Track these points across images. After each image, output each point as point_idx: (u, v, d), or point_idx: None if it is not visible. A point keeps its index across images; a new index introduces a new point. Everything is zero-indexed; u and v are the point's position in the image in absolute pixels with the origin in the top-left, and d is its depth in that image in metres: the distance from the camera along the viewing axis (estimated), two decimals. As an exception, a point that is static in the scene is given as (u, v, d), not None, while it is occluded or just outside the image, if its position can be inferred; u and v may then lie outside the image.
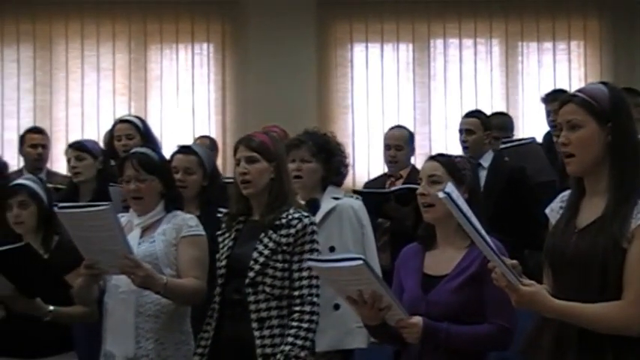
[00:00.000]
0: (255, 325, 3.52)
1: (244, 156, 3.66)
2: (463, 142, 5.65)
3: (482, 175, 5.37)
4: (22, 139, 6.36)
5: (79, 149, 5.18)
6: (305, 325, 3.50)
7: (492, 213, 5.07)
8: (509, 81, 7.91)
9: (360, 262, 2.98)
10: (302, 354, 3.46)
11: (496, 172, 5.47)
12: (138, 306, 3.69)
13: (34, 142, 6.27)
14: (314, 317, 3.52)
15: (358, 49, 7.99)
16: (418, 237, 3.38)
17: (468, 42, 7.96)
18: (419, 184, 3.35)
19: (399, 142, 5.86)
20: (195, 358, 3.66)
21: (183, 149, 4.59)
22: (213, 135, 7.36)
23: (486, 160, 5.55)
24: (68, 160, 5.22)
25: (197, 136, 6.99)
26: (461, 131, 5.69)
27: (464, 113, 5.93)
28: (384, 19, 7.96)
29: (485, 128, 5.63)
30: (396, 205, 5.21)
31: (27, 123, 7.23)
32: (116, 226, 3.48)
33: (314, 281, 3.53)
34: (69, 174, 6.38)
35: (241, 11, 7.85)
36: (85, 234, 3.50)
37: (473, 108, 6.65)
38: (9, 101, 7.65)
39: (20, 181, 4.22)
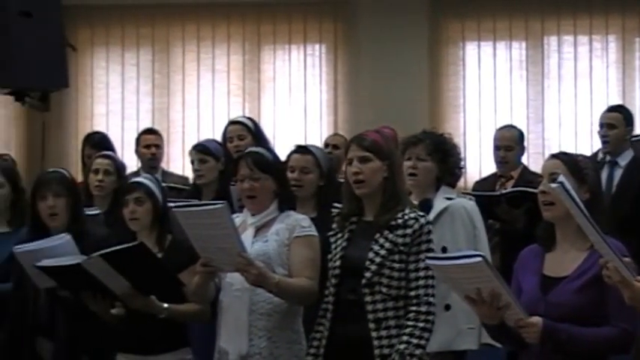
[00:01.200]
0: (372, 325, 3.52)
1: (357, 155, 3.65)
2: (603, 136, 5.56)
3: (618, 173, 5.28)
4: (138, 140, 6.52)
5: (202, 152, 5.21)
6: (421, 325, 3.49)
7: (626, 214, 4.99)
8: (626, 77, 7.72)
9: (480, 259, 2.96)
10: (417, 352, 3.45)
11: (632, 171, 5.34)
12: (251, 304, 3.72)
13: (148, 142, 6.42)
14: (430, 317, 3.51)
15: (470, 48, 7.93)
16: (537, 238, 3.34)
17: (583, 39, 7.80)
18: (530, 184, 3.32)
19: (509, 143, 5.80)
20: (309, 358, 3.69)
21: (301, 149, 4.62)
22: (324, 135, 7.39)
23: (624, 159, 5.43)
24: (192, 162, 5.26)
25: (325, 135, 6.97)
26: (601, 125, 5.60)
27: (578, 111, 5.85)
28: (496, 17, 7.88)
29: (628, 124, 5.52)
30: (507, 207, 5.14)
31: (145, 125, 7.40)
32: (230, 224, 3.52)
33: (430, 281, 3.52)
34: (184, 174, 6.55)
35: (353, 11, 7.87)
36: (200, 232, 3.55)
37: (587, 106, 6.54)
38: (129, 104, 7.85)
39: (137, 178, 4.33)
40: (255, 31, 7.88)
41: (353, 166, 3.65)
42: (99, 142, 6.28)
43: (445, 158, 4.39)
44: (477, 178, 6.78)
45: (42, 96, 6.63)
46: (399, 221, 3.55)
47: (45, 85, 6.55)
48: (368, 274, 3.53)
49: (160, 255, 4.02)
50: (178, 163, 7.36)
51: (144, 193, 4.12)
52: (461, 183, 5.59)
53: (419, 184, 4.34)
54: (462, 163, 4.60)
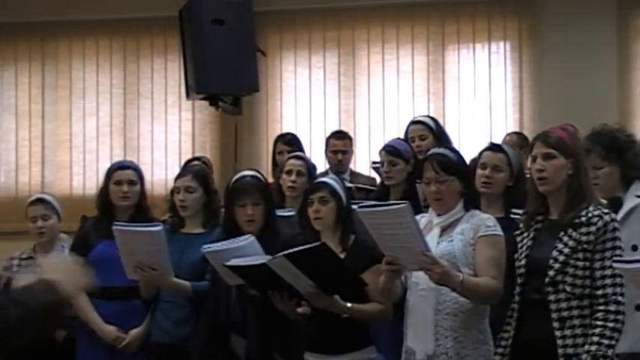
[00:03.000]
0: (556, 324, 3.49)
1: (541, 152, 3.62)
2: None
3: None
4: (327, 143, 6.61)
5: (392, 153, 5.18)
6: (610, 325, 3.43)
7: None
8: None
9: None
10: (609, 352, 3.40)
11: None
12: (437, 304, 3.73)
13: (336, 148, 6.48)
14: (619, 317, 3.44)
15: (661, 42, 7.67)
16: None
17: None
18: None
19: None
20: (496, 358, 3.69)
21: (493, 147, 4.62)
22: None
23: None
24: (381, 162, 5.25)
25: (504, 134, 6.90)
26: None
27: None
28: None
29: None
30: None
31: (332, 126, 7.52)
32: (414, 223, 3.52)
33: (617, 280, 3.45)
34: (371, 175, 6.63)
35: (538, 7, 7.75)
36: (384, 232, 3.57)
37: None
38: (316, 106, 7.97)
39: (322, 178, 4.41)
40: (439, 32, 7.88)
41: (537, 164, 3.62)
42: (290, 140, 6.48)
43: (622, 155, 4.22)
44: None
45: (234, 100, 6.84)
46: (583, 219, 3.50)
47: (237, 90, 6.76)
48: (551, 273, 3.50)
49: (343, 255, 4.07)
50: (365, 163, 7.46)
51: (328, 193, 4.18)
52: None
53: (604, 189, 4.20)
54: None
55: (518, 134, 6.64)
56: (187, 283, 4.54)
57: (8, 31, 8.26)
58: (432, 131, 5.58)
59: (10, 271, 5.12)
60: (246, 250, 4.09)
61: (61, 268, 2.31)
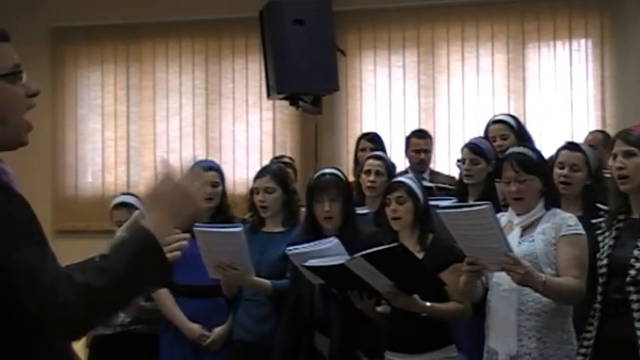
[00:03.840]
0: (638, 324, 3.46)
1: (621, 150, 3.60)
2: None
3: None
4: (408, 142, 6.61)
5: (474, 151, 5.14)
6: None
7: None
8: None
9: None
10: None
11: None
12: (519, 304, 3.72)
13: (417, 147, 6.48)
14: None
15: None
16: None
17: None
18: None
19: None
20: (579, 358, 3.66)
21: (571, 145, 4.57)
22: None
23: None
24: (463, 160, 5.22)
25: (586, 132, 6.80)
26: None
27: None
28: None
29: None
30: None
31: (412, 125, 7.52)
32: (496, 224, 3.52)
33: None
34: (450, 174, 6.62)
35: (620, 4, 7.63)
36: (466, 233, 3.58)
37: None
38: (396, 105, 7.98)
39: (399, 178, 4.43)
40: (519, 29, 7.82)
41: (617, 161, 3.60)
42: (373, 138, 6.52)
43: None
44: None
45: (314, 100, 6.87)
46: None
47: (317, 90, 6.80)
48: (633, 273, 3.47)
49: (421, 254, 4.08)
50: (444, 162, 7.45)
51: (405, 193, 4.19)
52: None
53: None
54: None
55: (602, 132, 6.54)
56: (268, 282, 4.60)
57: (95, 34, 8.45)
58: (513, 130, 5.54)
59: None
60: (330, 253, 4.12)
61: (165, 199, 2.18)
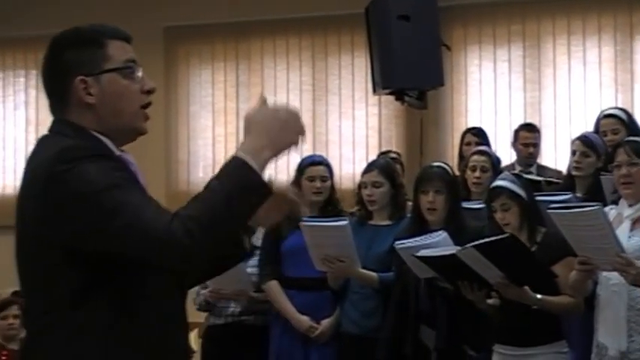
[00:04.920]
0: None
1: None
2: None
3: None
4: (516, 135, 6.60)
5: (586, 144, 5.13)
6: None
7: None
8: None
9: None
10: None
11: None
12: (630, 300, 3.70)
13: (526, 141, 6.46)
14: None
15: None
16: None
17: None
18: None
19: None
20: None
21: None
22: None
23: None
24: (573, 152, 5.19)
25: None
26: None
27: None
28: None
29: None
30: None
31: (518, 119, 7.48)
32: (607, 225, 3.51)
33: None
34: (557, 168, 6.58)
35: None
36: (577, 232, 3.58)
37: None
38: (501, 99, 7.94)
39: (498, 182, 4.34)
40: (626, 22, 7.67)
41: None
42: (478, 132, 6.54)
43: None
44: None
45: (420, 95, 6.91)
46: None
47: (422, 85, 6.83)
48: None
49: (533, 249, 4.06)
50: (551, 156, 7.41)
51: (508, 199, 4.17)
52: None
53: None
54: None
55: None
56: (374, 274, 4.68)
57: (206, 33, 8.66)
58: (624, 124, 5.46)
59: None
60: (438, 247, 4.16)
61: (268, 126, 2.13)
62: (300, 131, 2.16)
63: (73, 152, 2.11)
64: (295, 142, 2.15)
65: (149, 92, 2.30)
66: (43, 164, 2.13)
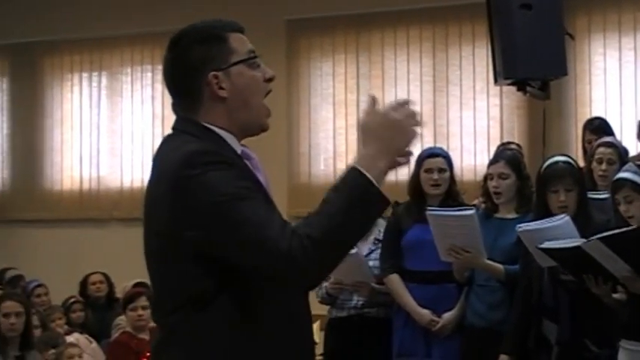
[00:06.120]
0: None
1: None
2: None
3: None
4: None
5: None
6: None
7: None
8: None
9: None
10: None
11: None
12: None
13: None
14: None
15: None
16: None
17: None
18: None
19: None
20: None
21: None
22: None
23: None
24: None
25: None
26: None
27: None
28: None
29: None
30: None
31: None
32: None
33: None
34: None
35: None
36: None
37: None
38: (626, 88, 7.79)
39: (621, 174, 4.27)
40: None
41: None
42: (598, 128, 6.39)
43: None
44: None
45: (542, 85, 6.82)
46: None
47: (545, 75, 6.73)
48: None
49: None
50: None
51: (631, 190, 4.10)
52: None
53: None
54: None
55: None
56: (500, 266, 4.65)
57: (327, 25, 8.72)
58: None
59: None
60: (561, 230, 4.11)
61: (380, 132, 2.15)
62: (413, 133, 2.16)
63: (201, 157, 2.16)
64: (409, 144, 2.16)
65: (270, 80, 2.35)
66: (170, 166, 2.18)
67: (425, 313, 4.97)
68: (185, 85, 2.30)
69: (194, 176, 2.12)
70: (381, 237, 5.22)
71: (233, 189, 2.11)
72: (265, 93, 2.34)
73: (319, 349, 5.42)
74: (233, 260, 2.12)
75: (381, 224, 5.41)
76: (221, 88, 2.27)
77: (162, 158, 2.26)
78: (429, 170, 5.04)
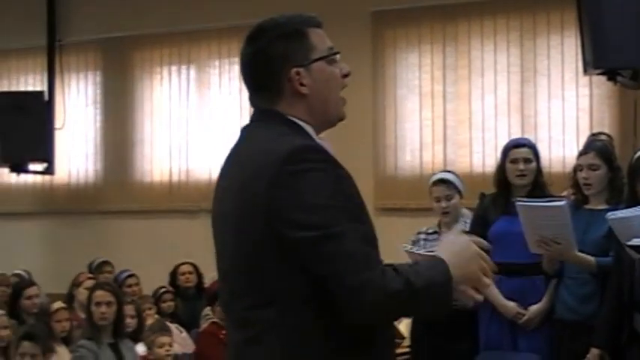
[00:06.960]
0: None
1: None
2: None
3: None
4: None
5: None
6: None
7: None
8: None
9: None
10: None
11: None
12: None
13: None
14: None
15: None
16: None
17: None
18: None
19: None
20: None
21: None
22: None
23: None
24: None
25: None
26: None
27: None
28: None
29: None
30: None
31: None
32: None
33: None
34: None
35: None
36: None
37: None
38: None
39: None
40: None
41: None
42: None
43: None
44: None
45: (633, 74, 6.70)
46: None
47: (636, 64, 6.62)
48: None
49: None
50: None
51: None
52: None
53: None
54: None
55: None
56: (591, 258, 4.60)
57: (413, 16, 8.68)
58: None
59: (417, 245, 5.45)
60: None
61: (455, 249, 2.25)
62: (484, 272, 2.27)
63: (304, 154, 2.17)
64: (479, 278, 2.26)
65: (346, 76, 2.38)
66: (268, 159, 2.17)
67: (511, 306, 4.95)
68: (266, 79, 2.32)
69: (296, 173, 2.13)
70: (467, 228, 5.19)
71: (332, 192, 2.13)
72: (341, 88, 2.37)
73: (406, 342, 5.42)
74: (312, 266, 2.13)
75: (467, 215, 5.40)
76: (302, 84, 2.30)
77: (256, 149, 2.25)
78: (514, 161, 5.01)
